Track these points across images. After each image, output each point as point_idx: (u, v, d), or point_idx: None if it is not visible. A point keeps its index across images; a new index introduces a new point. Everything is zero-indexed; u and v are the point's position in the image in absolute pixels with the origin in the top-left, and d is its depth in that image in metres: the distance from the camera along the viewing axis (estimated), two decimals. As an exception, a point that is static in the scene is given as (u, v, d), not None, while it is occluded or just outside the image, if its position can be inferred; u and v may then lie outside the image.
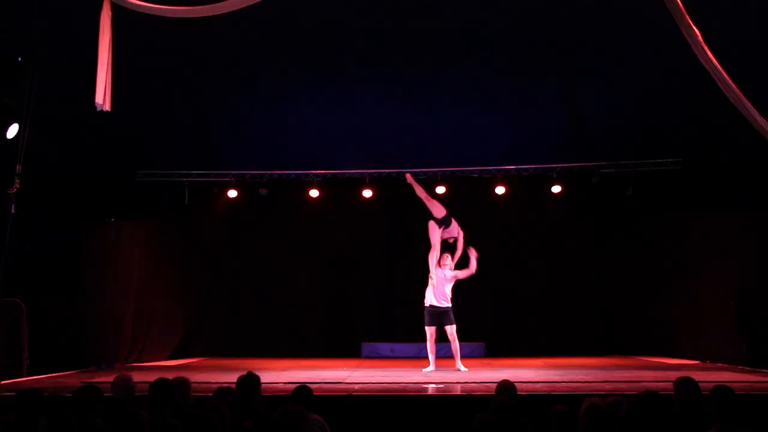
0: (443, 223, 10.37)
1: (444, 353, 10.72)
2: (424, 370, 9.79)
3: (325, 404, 5.78)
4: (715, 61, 7.19)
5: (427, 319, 10.13)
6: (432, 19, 9.76)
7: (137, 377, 5.46)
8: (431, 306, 10.12)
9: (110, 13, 7.53)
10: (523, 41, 10.30)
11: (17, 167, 8.27)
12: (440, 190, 13.06)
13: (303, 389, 5.02)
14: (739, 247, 10.60)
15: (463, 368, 9.74)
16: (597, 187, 13.07)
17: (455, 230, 10.44)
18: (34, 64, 8.27)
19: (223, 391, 4.97)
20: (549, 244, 13.54)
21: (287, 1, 9.14)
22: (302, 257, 13.72)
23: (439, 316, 10.10)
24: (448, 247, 10.51)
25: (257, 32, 9.83)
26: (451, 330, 10.06)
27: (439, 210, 10.43)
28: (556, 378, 8.33)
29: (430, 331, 10.09)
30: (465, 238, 10.53)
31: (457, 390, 7.50)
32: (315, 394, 5.20)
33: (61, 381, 8.64)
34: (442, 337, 10.22)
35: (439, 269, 10.21)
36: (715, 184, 11.11)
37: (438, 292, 10.11)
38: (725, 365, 10.21)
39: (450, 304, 10.14)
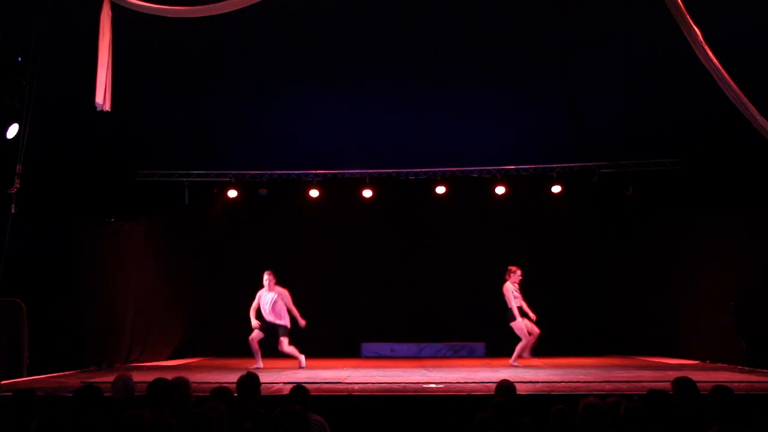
0: None
1: (443, 353, 10.73)
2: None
3: (325, 404, 5.78)
4: (715, 60, 7.19)
5: None
6: (432, 19, 9.77)
7: (137, 377, 5.47)
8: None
9: (110, 13, 7.55)
10: (524, 42, 10.31)
11: (17, 167, 8.27)
12: (440, 190, 13.07)
13: (299, 389, 5.01)
14: (739, 247, 10.57)
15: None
16: (597, 187, 13.08)
17: None
18: (34, 64, 8.25)
19: (220, 391, 4.97)
20: (549, 244, 13.52)
21: (287, 2, 9.16)
22: (302, 257, 13.69)
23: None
24: None
25: (257, 32, 9.85)
26: None
27: None
28: (556, 378, 8.32)
29: None
30: None
31: (457, 390, 7.49)
32: (315, 394, 5.19)
33: (61, 381, 8.62)
34: (447, 338, 10.36)
35: None
36: (715, 184, 11.10)
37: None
38: (725, 365, 10.19)
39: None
